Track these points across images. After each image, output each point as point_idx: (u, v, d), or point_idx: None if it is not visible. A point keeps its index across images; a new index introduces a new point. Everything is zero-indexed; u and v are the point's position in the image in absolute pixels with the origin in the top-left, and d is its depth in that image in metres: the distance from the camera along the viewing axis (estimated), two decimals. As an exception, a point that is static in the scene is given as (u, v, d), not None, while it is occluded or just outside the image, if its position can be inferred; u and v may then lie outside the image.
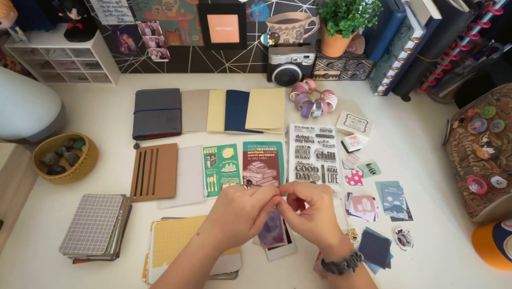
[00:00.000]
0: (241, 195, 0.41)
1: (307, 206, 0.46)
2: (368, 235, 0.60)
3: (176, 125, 0.73)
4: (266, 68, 0.82)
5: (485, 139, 0.59)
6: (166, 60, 0.83)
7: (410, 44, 0.67)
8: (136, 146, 0.70)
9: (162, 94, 0.78)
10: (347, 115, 0.76)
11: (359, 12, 0.68)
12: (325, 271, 0.46)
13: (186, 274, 0.41)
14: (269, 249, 0.57)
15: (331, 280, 0.46)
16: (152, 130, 0.71)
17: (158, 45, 0.78)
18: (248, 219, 0.41)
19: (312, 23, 0.74)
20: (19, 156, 0.60)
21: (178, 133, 0.72)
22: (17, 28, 0.65)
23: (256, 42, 0.78)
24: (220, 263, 0.54)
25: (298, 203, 0.49)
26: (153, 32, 0.74)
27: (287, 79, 0.82)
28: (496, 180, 0.55)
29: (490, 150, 0.57)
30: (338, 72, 0.85)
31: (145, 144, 0.71)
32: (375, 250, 0.58)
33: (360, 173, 0.68)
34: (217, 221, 0.43)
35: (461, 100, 0.80)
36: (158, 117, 0.73)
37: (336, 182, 0.65)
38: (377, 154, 0.72)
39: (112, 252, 0.53)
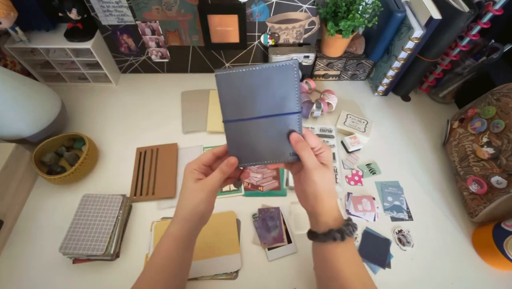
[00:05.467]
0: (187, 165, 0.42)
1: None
2: (368, 235, 0.60)
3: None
4: (266, 68, 0.82)
5: (485, 139, 0.59)
6: (166, 60, 0.83)
7: (410, 44, 0.67)
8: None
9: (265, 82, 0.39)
10: (347, 115, 0.76)
11: (359, 12, 0.68)
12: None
13: (159, 266, 0.41)
14: (269, 249, 0.57)
15: (325, 255, 0.41)
16: (259, 159, 0.40)
17: (158, 45, 0.78)
18: (190, 178, 0.40)
19: (312, 23, 0.74)
20: (19, 156, 0.60)
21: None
22: (17, 28, 0.65)
23: (256, 42, 0.78)
24: (220, 263, 0.54)
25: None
26: (153, 32, 0.74)
27: (287, 79, 0.82)
28: (496, 180, 0.55)
29: (490, 150, 0.57)
30: (338, 72, 0.85)
31: (145, 144, 0.71)
32: (375, 250, 0.58)
33: (360, 173, 0.68)
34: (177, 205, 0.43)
35: (461, 100, 0.80)
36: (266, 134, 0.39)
37: (336, 182, 0.65)
38: (377, 153, 0.72)
39: (112, 252, 0.53)
